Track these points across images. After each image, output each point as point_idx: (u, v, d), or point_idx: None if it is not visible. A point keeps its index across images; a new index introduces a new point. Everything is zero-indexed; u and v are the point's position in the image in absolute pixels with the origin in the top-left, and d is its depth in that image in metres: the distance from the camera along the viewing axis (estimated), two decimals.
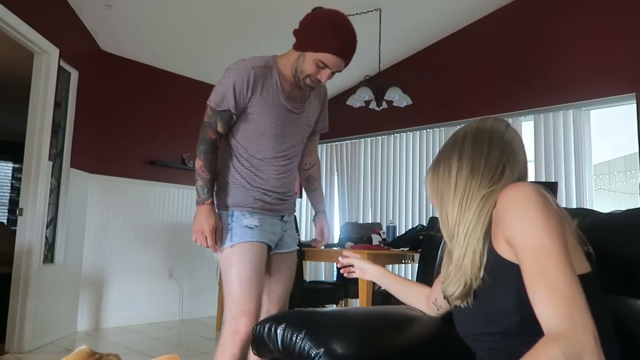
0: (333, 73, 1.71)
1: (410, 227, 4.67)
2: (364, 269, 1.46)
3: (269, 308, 1.89)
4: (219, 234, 1.77)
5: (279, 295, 1.90)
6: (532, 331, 0.85)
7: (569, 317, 0.78)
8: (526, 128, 4.32)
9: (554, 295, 0.80)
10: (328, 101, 2.04)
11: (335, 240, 5.36)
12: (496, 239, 0.95)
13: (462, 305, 1.02)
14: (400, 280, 1.40)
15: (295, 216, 2.04)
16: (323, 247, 2.66)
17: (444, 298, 1.07)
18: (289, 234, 1.92)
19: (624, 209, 1.18)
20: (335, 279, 4.77)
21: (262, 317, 1.77)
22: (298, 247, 1.92)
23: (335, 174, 5.82)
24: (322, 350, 1.02)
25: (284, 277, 1.91)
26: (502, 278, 0.93)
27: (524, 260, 0.86)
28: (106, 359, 0.81)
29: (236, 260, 1.74)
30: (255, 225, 1.78)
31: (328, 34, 1.64)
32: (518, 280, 0.87)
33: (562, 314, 0.78)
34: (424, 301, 1.30)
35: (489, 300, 0.96)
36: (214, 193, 1.82)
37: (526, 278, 0.85)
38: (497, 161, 1.00)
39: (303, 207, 5.99)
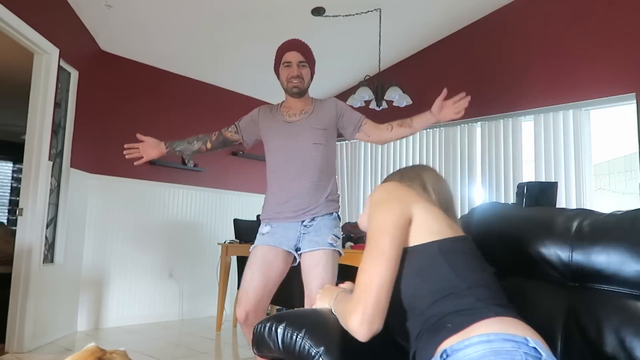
0: (302, 66, 2.19)
1: None
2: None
3: (306, 305, 2.09)
4: None
5: (310, 292, 2.07)
6: (412, 308, 1.00)
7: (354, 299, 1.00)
8: (526, 128, 4.32)
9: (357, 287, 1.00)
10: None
11: None
12: None
13: None
14: None
15: (338, 215, 2.28)
16: None
17: None
18: (308, 236, 2.11)
19: (624, 209, 1.18)
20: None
21: None
22: (332, 248, 2.13)
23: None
24: (322, 348, 1.02)
25: (312, 273, 2.09)
26: None
27: None
28: (109, 357, 0.81)
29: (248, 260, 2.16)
30: (267, 232, 2.17)
31: (277, 50, 2.24)
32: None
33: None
34: None
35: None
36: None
37: None
38: None
39: None
